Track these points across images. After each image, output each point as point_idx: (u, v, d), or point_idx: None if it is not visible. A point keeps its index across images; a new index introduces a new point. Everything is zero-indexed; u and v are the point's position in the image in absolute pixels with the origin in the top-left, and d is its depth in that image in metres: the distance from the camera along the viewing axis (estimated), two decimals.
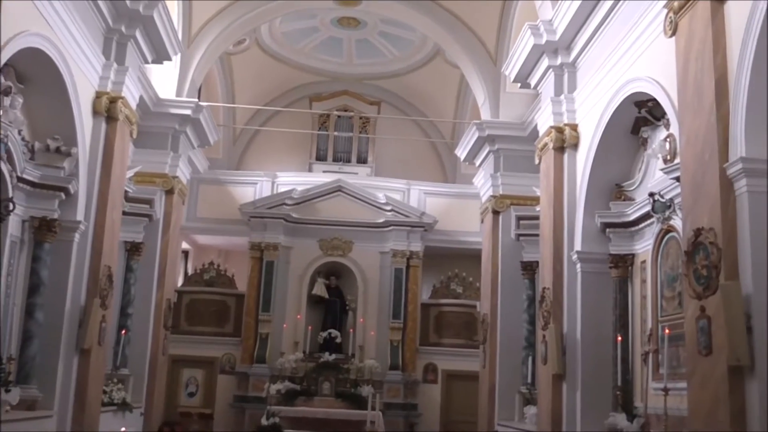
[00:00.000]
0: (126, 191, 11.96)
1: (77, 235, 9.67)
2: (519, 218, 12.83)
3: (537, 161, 10.83)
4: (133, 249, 13.26)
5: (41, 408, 9.09)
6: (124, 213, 12.46)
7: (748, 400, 5.56)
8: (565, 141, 9.96)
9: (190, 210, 16.48)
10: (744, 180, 5.75)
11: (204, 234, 17.49)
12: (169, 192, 13.80)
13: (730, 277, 5.75)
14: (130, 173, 12.02)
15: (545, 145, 10.35)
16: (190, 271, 17.86)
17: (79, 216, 9.67)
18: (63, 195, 9.37)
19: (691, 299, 6.22)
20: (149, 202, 13.26)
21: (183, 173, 14.37)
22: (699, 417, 6.02)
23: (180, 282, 16.96)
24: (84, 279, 9.80)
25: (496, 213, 13.50)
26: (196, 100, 14.00)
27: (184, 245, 18.05)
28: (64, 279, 9.52)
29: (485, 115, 13.94)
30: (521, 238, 12.84)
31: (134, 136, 10.99)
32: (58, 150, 9.32)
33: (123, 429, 12.11)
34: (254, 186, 16.94)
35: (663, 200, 8.02)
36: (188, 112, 13.60)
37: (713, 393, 5.82)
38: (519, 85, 11.58)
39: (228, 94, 17.85)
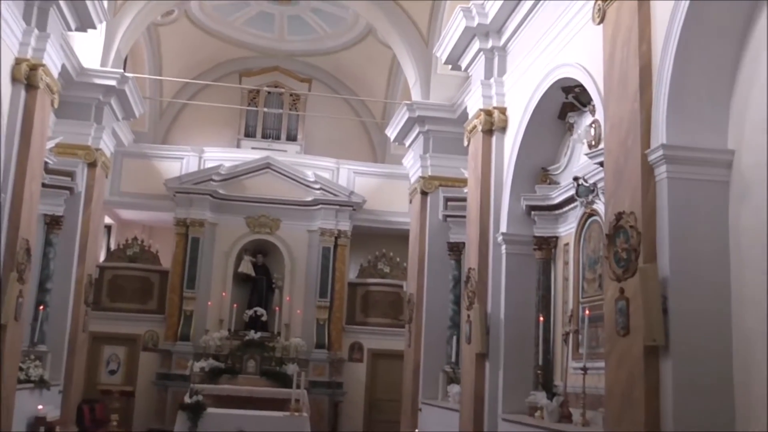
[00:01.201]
0: (46, 162, 11.58)
1: None
2: (447, 199, 12.94)
3: (466, 143, 10.92)
4: (52, 222, 12.88)
5: None
6: (44, 185, 12.05)
7: (662, 378, 5.75)
8: (493, 124, 10.06)
9: (113, 184, 16.09)
10: (664, 166, 5.91)
11: (128, 209, 17.11)
12: (92, 165, 13.42)
13: (648, 260, 5.92)
14: (50, 144, 11.66)
15: (474, 127, 10.44)
16: (112, 247, 17.46)
17: None
18: None
19: (611, 281, 6.38)
20: (70, 174, 12.88)
21: (107, 146, 13.99)
22: (615, 395, 6.20)
23: (102, 257, 16.57)
24: (0, 252, 9.49)
25: (424, 194, 13.58)
26: (122, 70, 13.62)
27: (107, 220, 17.61)
28: None
29: (416, 96, 13.99)
30: (449, 219, 12.96)
31: (56, 105, 10.64)
32: None
33: (40, 407, 11.85)
34: (180, 161, 16.64)
35: (587, 184, 8.20)
36: (113, 82, 13.22)
37: (629, 372, 6.00)
38: (450, 67, 11.63)
39: (155, 66, 17.43)
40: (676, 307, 5.73)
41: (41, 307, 12.47)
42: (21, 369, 11.23)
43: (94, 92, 13.19)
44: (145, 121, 17.65)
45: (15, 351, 9.91)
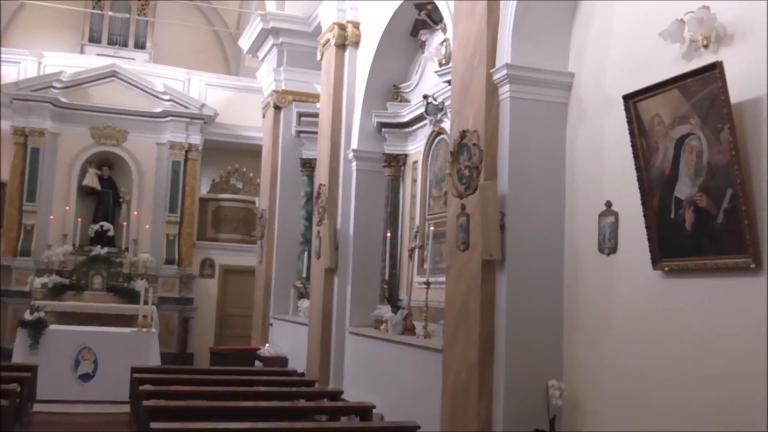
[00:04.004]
0: None
1: None
2: (300, 115, 12.78)
3: (319, 57, 10.77)
4: None
5: None
6: None
7: (497, 291, 6.01)
8: (347, 39, 9.96)
9: None
10: (508, 86, 6.04)
11: None
12: None
13: (489, 178, 6.09)
14: None
15: (327, 41, 10.29)
16: None
17: None
18: None
19: (454, 198, 6.55)
20: None
21: None
22: (454, 307, 6.45)
23: None
24: None
25: (277, 108, 13.35)
26: None
27: None
28: None
29: (270, 6, 13.56)
30: (302, 134, 12.83)
31: None
32: None
33: None
34: (17, 65, 15.50)
35: (436, 103, 8.30)
36: None
37: (467, 285, 6.23)
38: None
39: None
40: (512, 224, 5.96)
41: None
42: None
43: None
44: None
45: None
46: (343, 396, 8.39)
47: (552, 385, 5.65)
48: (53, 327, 11.60)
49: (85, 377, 11.16)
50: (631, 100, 4.99)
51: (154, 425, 5.71)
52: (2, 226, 15.05)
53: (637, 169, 5.00)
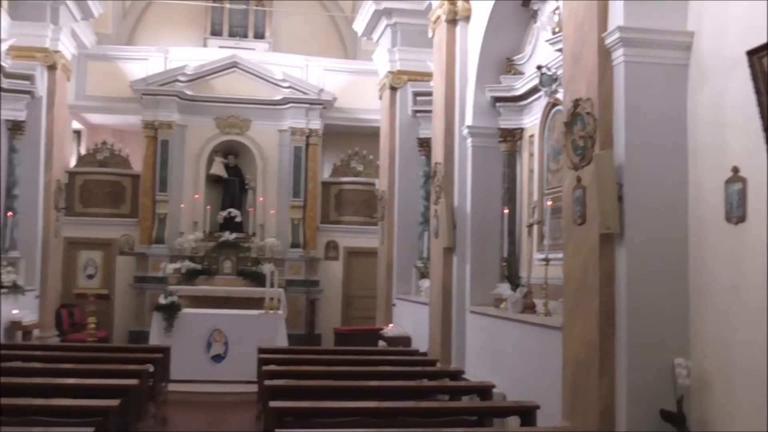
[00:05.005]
0: (1, 66, 11.28)
1: None
2: (415, 94, 12.72)
3: (430, 35, 10.65)
4: (15, 128, 12.68)
5: None
6: (3, 90, 11.82)
7: (617, 265, 5.77)
8: (457, 13, 9.78)
9: (78, 87, 15.70)
10: (621, 50, 5.75)
11: (95, 113, 16.76)
12: (52, 68, 13.11)
13: (604, 147, 5.83)
14: (4, 46, 11.30)
15: (438, 17, 10.16)
16: (83, 152, 17.20)
17: None
18: None
19: (569, 170, 6.32)
20: (29, 78, 12.59)
21: (66, 48, 13.61)
22: (572, 283, 6.23)
23: (73, 163, 16.36)
24: None
25: (393, 89, 13.35)
26: None
27: (76, 125, 17.31)
28: None
29: None
30: (418, 114, 12.78)
31: (3, 5, 10.25)
32: None
33: (15, 311, 11.91)
34: (145, 62, 16.18)
35: (550, 73, 8.03)
36: None
37: (585, 260, 6.01)
38: None
39: None
40: (631, 195, 5.69)
41: (9, 214, 12.38)
42: None
43: None
44: (109, 22, 17.06)
45: None
46: (464, 375, 8.33)
47: (678, 364, 5.37)
48: (186, 310, 12.09)
49: (217, 358, 11.59)
50: (755, 55, 4.62)
51: (273, 404, 5.81)
52: (138, 216, 15.81)
53: (765, 130, 4.64)
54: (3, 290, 11.55)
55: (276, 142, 16.21)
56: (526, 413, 6.18)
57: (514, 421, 6.44)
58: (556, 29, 7.89)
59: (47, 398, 6.02)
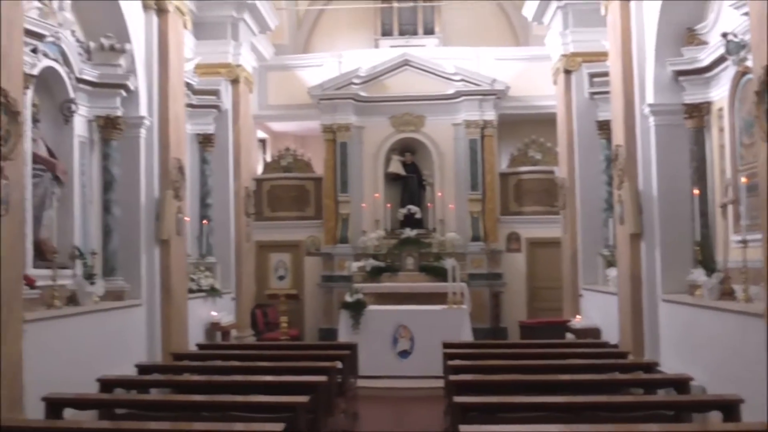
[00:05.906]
0: (189, 84, 12.01)
1: (143, 131, 9.85)
2: (591, 76, 12.25)
3: (603, 12, 10.21)
4: (205, 141, 13.43)
5: (129, 298, 9.53)
6: (192, 106, 12.60)
7: None
8: None
9: (260, 98, 16.48)
10: None
11: (277, 121, 17.56)
12: (235, 81, 13.78)
13: None
14: (190, 65, 12.02)
15: None
16: (269, 159, 18.03)
17: (142, 111, 9.81)
18: (123, 92, 9.49)
19: (763, 142, 5.82)
20: (215, 93, 13.30)
21: (247, 61, 14.28)
22: None
23: (260, 170, 17.19)
24: (155, 173, 10.04)
25: (567, 73, 12.95)
26: None
27: (261, 134, 18.18)
28: (136, 174, 9.79)
29: None
30: (595, 96, 12.30)
31: (188, 27, 10.93)
32: (112, 48, 9.37)
33: (214, 313, 12.65)
34: (320, 68, 16.69)
35: (737, 40, 7.45)
36: None
37: None
38: None
39: None
40: None
41: (204, 222, 13.16)
42: (192, 280, 12.00)
43: (226, 10, 13.39)
44: (285, 33, 17.77)
45: (180, 263, 10.54)
46: (658, 368, 7.90)
47: None
48: (372, 307, 12.34)
49: (404, 354, 11.74)
50: None
51: (457, 399, 5.77)
52: (322, 218, 16.34)
53: None
54: (202, 294, 12.29)
55: (451, 136, 16.19)
56: (729, 408, 5.74)
57: (715, 417, 6.01)
58: None
59: (245, 395, 6.32)
